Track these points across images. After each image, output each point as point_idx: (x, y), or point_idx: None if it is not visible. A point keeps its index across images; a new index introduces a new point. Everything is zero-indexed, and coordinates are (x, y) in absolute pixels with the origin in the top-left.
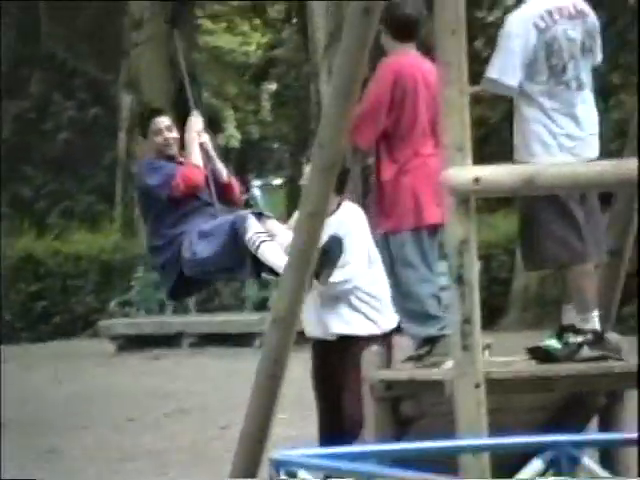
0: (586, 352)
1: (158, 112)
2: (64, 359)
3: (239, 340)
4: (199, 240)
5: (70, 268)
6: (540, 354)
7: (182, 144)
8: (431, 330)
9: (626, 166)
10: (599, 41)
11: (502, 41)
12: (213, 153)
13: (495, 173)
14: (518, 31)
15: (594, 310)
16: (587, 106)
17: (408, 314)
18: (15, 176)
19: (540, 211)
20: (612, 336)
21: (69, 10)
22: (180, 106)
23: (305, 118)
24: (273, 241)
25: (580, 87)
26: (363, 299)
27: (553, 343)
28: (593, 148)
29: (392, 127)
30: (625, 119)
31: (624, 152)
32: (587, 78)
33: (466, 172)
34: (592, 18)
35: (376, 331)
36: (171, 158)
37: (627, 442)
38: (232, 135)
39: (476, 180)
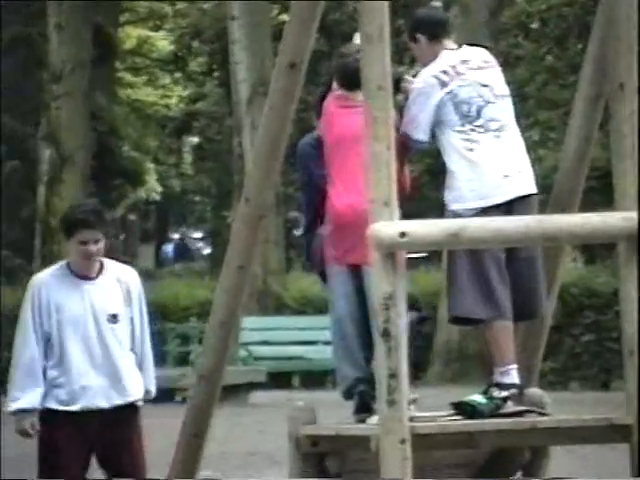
0: (510, 407)
1: None
2: None
3: (160, 395)
4: None
5: None
6: (465, 409)
7: None
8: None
9: (550, 222)
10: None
11: (410, 97)
12: None
13: (421, 227)
14: (421, 87)
15: (512, 364)
16: (510, 145)
17: None
18: None
19: (457, 267)
20: (535, 391)
21: None
22: (99, 160)
23: (227, 171)
24: None
25: (500, 128)
26: None
27: (478, 398)
28: (526, 185)
29: None
30: (544, 175)
31: (547, 208)
32: (508, 119)
33: (392, 226)
34: (498, 68)
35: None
36: None
37: None
38: (153, 188)
39: (402, 234)
